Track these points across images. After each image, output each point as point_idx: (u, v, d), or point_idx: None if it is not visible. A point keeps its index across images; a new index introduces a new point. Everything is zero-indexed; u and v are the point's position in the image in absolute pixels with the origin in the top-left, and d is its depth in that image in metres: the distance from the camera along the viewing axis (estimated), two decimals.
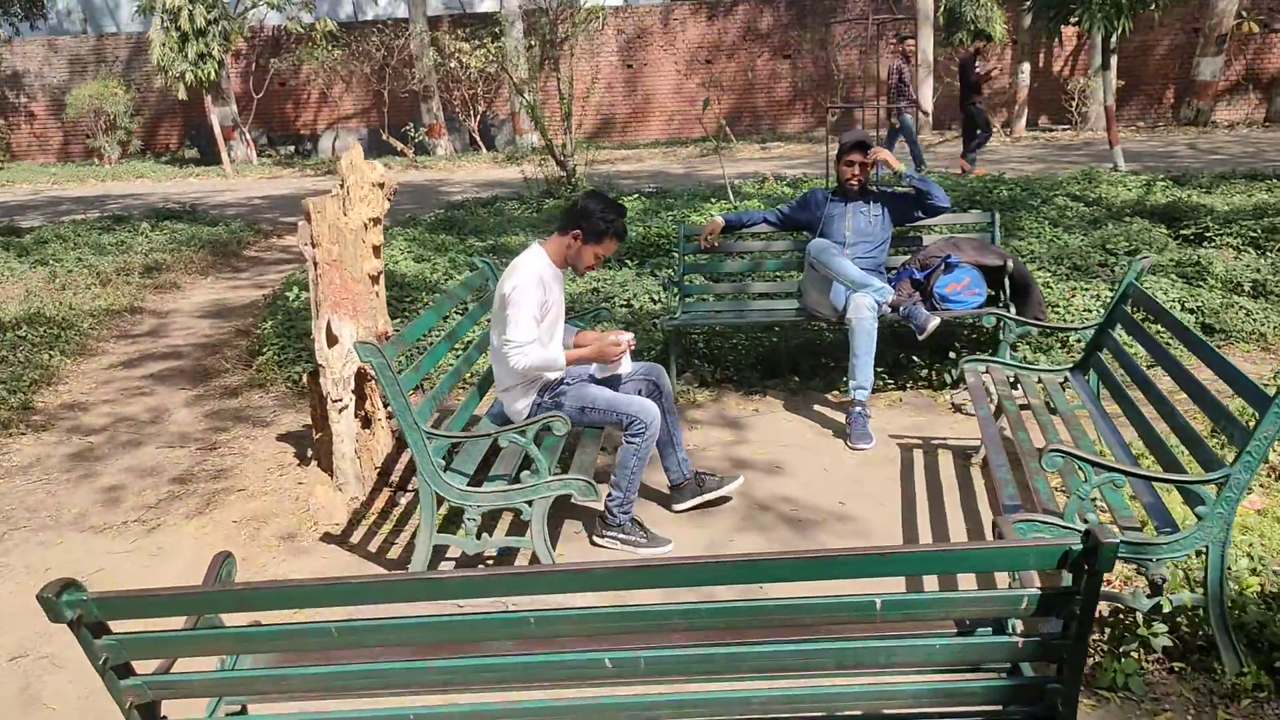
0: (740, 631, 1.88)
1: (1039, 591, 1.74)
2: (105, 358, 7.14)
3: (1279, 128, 19.56)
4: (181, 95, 20.14)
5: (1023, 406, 4.22)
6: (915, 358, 5.57)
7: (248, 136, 22.45)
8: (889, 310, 5.08)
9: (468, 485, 3.43)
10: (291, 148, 23.93)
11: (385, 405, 4.43)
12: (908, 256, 5.57)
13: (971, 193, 9.07)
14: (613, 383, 4.09)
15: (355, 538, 4.04)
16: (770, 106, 23.51)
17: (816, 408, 5.39)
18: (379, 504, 4.31)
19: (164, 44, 19.58)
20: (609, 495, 3.88)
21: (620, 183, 14.90)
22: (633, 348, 3.97)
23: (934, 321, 4.92)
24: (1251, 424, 2.70)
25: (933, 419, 5.14)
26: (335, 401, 4.14)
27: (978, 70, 13.81)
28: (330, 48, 21.84)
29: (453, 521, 3.83)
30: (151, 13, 19.79)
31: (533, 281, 3.73)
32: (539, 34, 14.40)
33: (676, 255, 5.96)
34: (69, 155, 23.89)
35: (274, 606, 1.84)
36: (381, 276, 4.34)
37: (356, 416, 4.26)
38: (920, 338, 4.96)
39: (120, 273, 9.64)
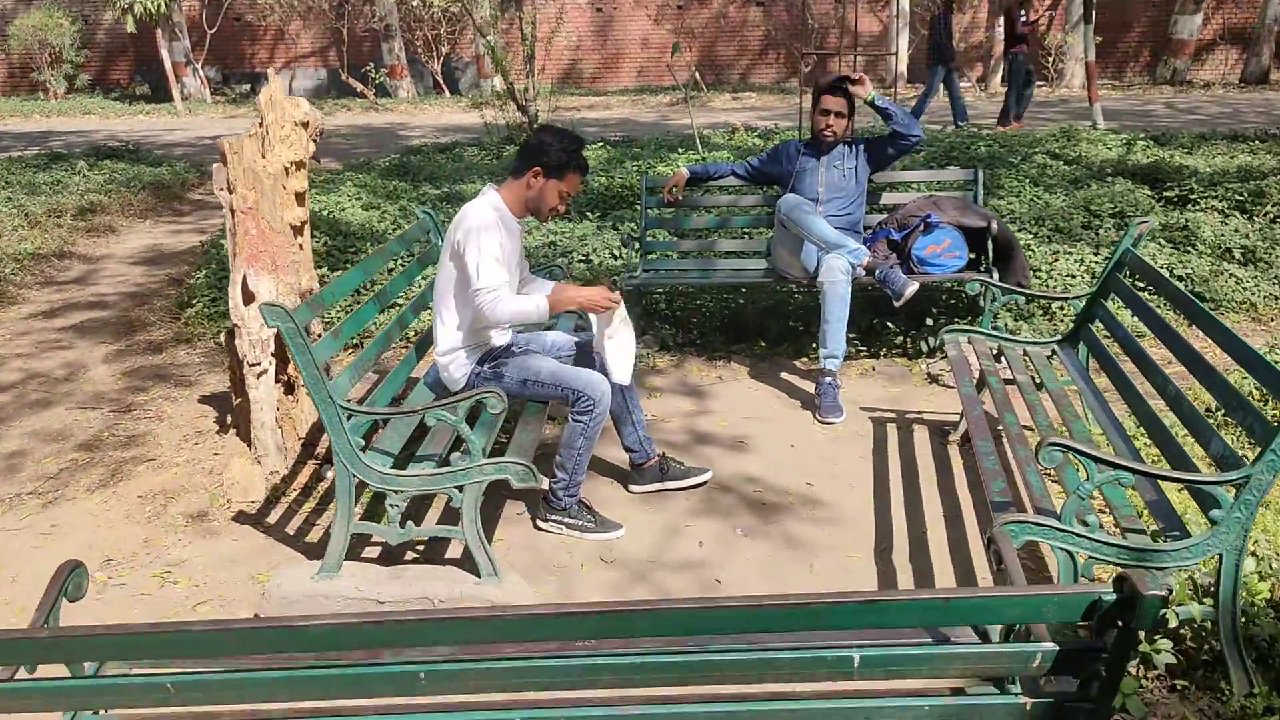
0: (686, 684, 1.52)
1: (1055, 647, 1.40)
2: (25, 306, 6.65)
3: (1254, 88, 19.30)
4: (130, 28, 19.26)
5: (1007, 381, 3.88)
6: (890, 324, 5.23)
7: (201, 74, 21.59)
8: (864, 273, 4.71)
9: (390, 468, 3.04)
10: (247, 86, 23.04)
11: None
12: (885, 216, 5.19)
13: (948, 148, 8.70)
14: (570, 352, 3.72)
15: (272, 517, 3.65)
16: (742, 55, 22.93)
17: (784, 375, 5.04)
18: (302, 479, 3.92)
19: None
20: (554, 477, 3.51)
21: (586, 130, 14.37)
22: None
23: (912, 287, 4.56)
24: (1266, 410, 2.37)
25: (908, 390, 4.81)
26: (253, 365, 3.73)
27: (1023, 19, 13.37)
28: None
29: (380, 505, 3.45)
30: None
31: (490, 223, 3.34)
32: None
33: (639, 209, 5.54)
34: (15, 89, 22.85)
35: (100, 657, 1.46)
36: (306, 227, 3.92)
37: (279, 381, 3.86)
38: (897, 304, 4.61)
39: (52, 214, 9.07)
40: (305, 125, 3.80)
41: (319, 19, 22.38)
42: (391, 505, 2.99)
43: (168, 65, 19.67)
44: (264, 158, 3.67)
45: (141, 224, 9.39)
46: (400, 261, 5.75)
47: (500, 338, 3.63)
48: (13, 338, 5.94)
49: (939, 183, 5.54)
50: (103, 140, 15.24)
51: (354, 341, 5.11)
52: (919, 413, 4.54)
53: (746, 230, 5.56)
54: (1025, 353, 4.03)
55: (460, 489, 2.96)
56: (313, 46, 23.20)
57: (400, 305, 4.97)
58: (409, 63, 21.83)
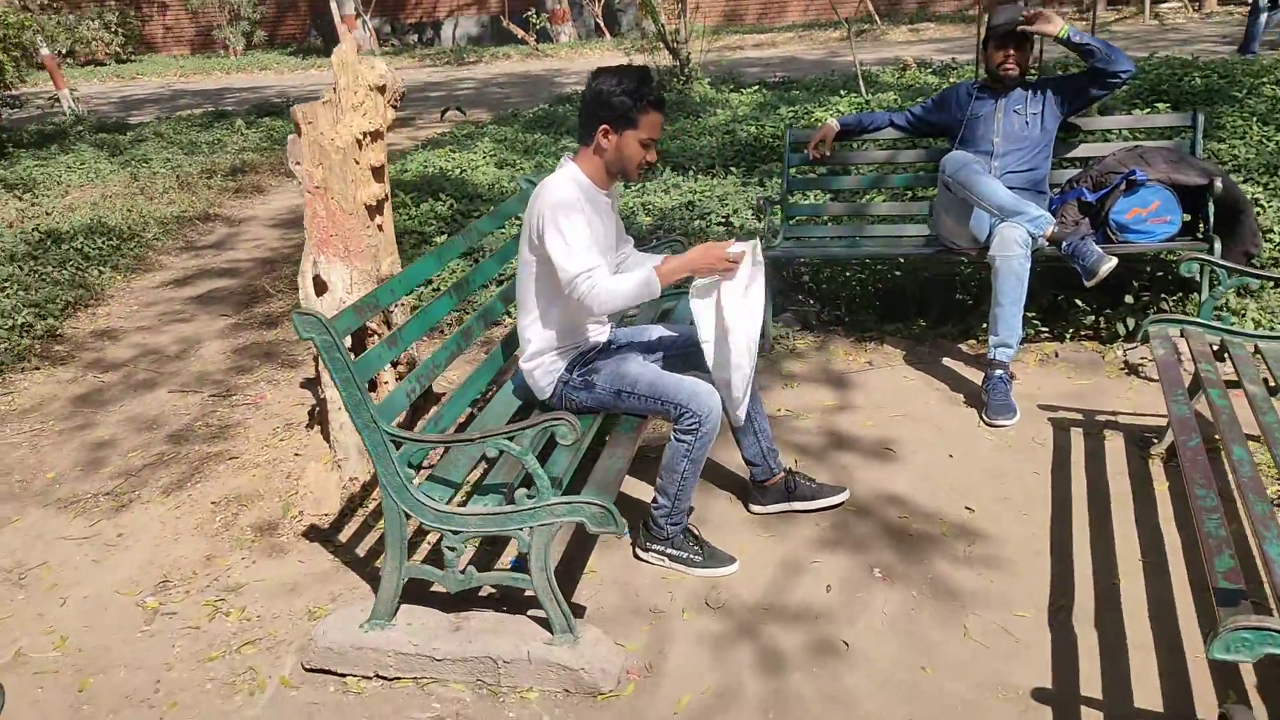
0: None
1: None
2: (160, 273, 6.57)
3: None
4: None
5: (1231, 385, 3.05)
6: (1078, 300, 4.38)
7: (369, 25, 21.79)
8: (1046, 244, 3.91)
9: (449, 501, 2.57)
10: (414, 36, 23.18)
11: (394, 363, 3.60)
12: (1076, 172, 4.33)
13: (1155, 82, 7.51)
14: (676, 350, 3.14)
15: (345, 533, 3.25)
16: None
17: (946, 362, 4.31)
18: None
19: None
20: (654, 501, 2.97)
21: (747, 71, 13.57)
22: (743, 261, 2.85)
23: (1108, 264, 3.72)
24: None
25: (1099, 384, 4.00)
26: None
27: None
28: None
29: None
30: None
31: (570, 200, 2.78)
32: None
33: (781, 167, 4.85)
34: (199, 47, 23.75)
35: None
36: (387, 205, 3.46)
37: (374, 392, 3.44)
38: (1088, 283, 3.79)
39: (204, 174, 9.11)
40: (382, 90, 3.32)
41: None
42: (449, 548, 2.52)
43: (336, 18, 19.89)
44: (334, 128, 3.21)
45: (289, 182, 9.30)
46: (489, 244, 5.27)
47: (597, 334, 3.08)
48: (139, 308, 5.83)
49: (1143, 131, 4.61)
50: (274, 96, 15.54)
51: (396, 358, 4.68)
52: (1112, 414, 3.74)
53: (906, 190, 4.80)
54: (1258, 350, 3.18)
55: (527, 531, 2.46)
56: None
57: (489, 291, 4.48)
58: (571, 6, 21.39)
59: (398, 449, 2.48)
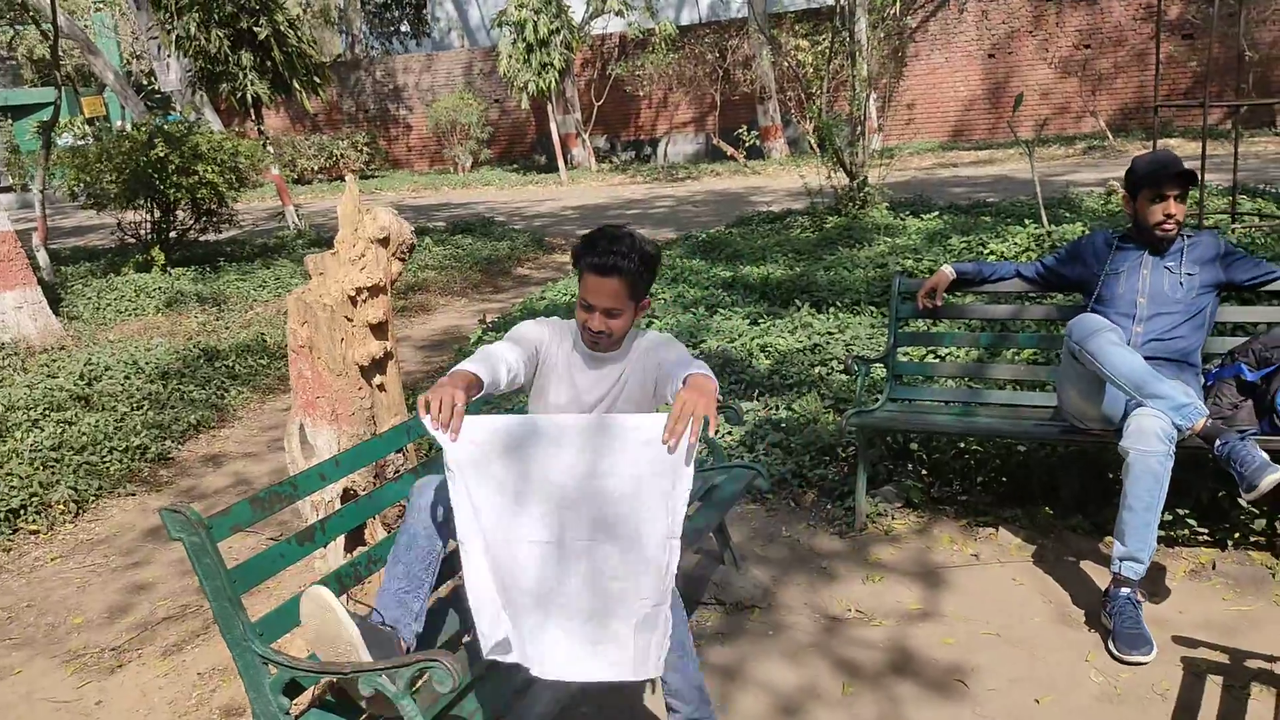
0: None
1: None
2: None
3: None
4: (524, 104, 20.61)
5: None
6: (1243, 500, 3.51)
7: (588, 143, 22.57)
8: (1198, 439, 3.13)
9: None
10: (632, 153, 23.82)
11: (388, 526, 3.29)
12: (1238, 344, 3.52)
13: None
14: None
15: None
16: (1171, 97, 19.82)
17: (1069, 563, 3.55)
18: None
19: (510, 55, 20.06)
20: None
21: (951, 191, 12.88)
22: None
23: (1273, 475, 2.90)
24: None
25: (1263, 612, 3.15)
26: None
27: None
28: (668, 52, 21.36)
29: None
30: (502, 26, 20.38)
31: (531, 325, 2.61)
32: (886, 26, 12.78)
33: (888, 319, 4.28)
34: (436, 162, 25.39)
35: None
36: (391, 364, 3.20)
37: (349, 552, 3.15)
38: (1246, 498, 2.98)
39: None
40: (385, 242, 3.09)
41: (697, 86, 22.60)
42: None
43: (554, 137, 20.73)
44: (322, 284, 3.00)
45: (457, 301, 9.45)
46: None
47: None
48: (258, 433, 5.88)
49: None
50: (485, 211, 16.21)
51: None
52: (1270, 660, 2.89)
53: (1034, 353, 4.10)
54: None
55: None
56: (692, 113, 23.47)
57: None
58: (784, 124, 21.35)
59: (271, 672, 2.12)
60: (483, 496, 2.10)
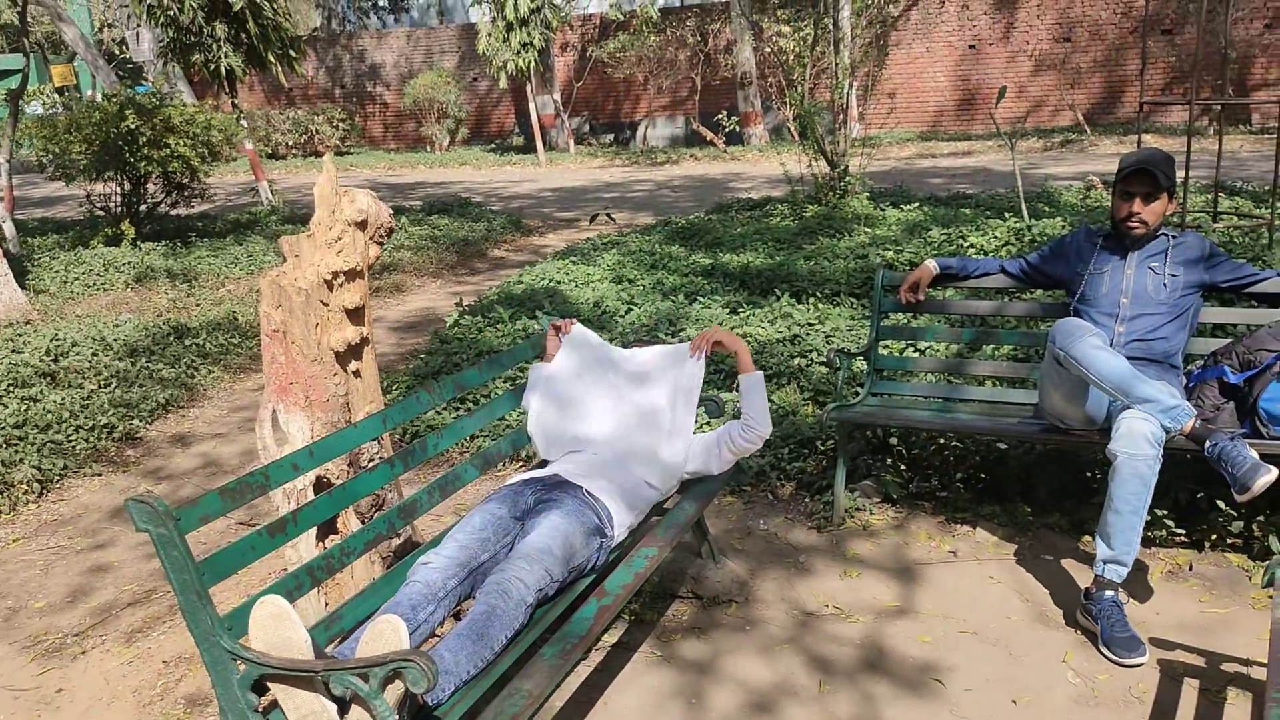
0: None
1: None
2: (259, 378, 6.56)
3: None
4: (503, 84, 20.42)
5: None
6: (1221, 501, 3.51)
7: (567, 125, 22.42)
8: (1183, 438, 3.13)
9: None
10: (611, 136, 23.69)
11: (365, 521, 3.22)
12: (1221, 345, 3.52)
13: None
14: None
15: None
16: (1146, 94, 19.89)
17: (1047, 562, 3.55)
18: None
19: (489, 34, 19.86)
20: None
21: (929, 182, 12.90)
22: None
23: (1265, 476, 2.88)
24: None
25: (1237, 615, 3.15)
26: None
27: None
28: (649, 34, 21.23)
29: None
30: (482, 4, 20.16)
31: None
32: (870, 14, 12.73)
33: (870, 312, 4.24)
34: (412, 141, 25.12)
35: None
36: (367, 350, 3.13)
37: (321, 540, 3.09)
38: (1239, 498, 2.97)
39: None
40: (363, 225, 3.02)
41: (677, 70, 22.48)
42: None
43: (533, 118, 20.56)
44: (298, 267, 2.92)
45: (432, 283, 9.35)
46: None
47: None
48: (227, 414, 5.78)
49: None
50: (461, 191, 16.06)
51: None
52: (1246, 663, 2.90)
53: (1014, 350, 4.08)
54: None
55: None
56: (672, 97, 23.36)
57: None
58: (765, 110, 21.29)
59: (239, 669, 2.06)
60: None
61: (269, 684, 2.07)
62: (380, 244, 3.10)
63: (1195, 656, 2.94)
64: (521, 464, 4.49)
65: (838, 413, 3.81)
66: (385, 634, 2.04)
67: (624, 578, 2.65)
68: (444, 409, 5.03)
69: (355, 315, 3.04)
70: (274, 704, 2.11)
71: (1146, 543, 3.52)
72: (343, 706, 2.03)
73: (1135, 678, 2.86)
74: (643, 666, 3.06)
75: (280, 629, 2.02)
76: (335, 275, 2.95)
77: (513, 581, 2.40)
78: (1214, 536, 3.52)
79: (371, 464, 3.06)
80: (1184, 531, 3.55)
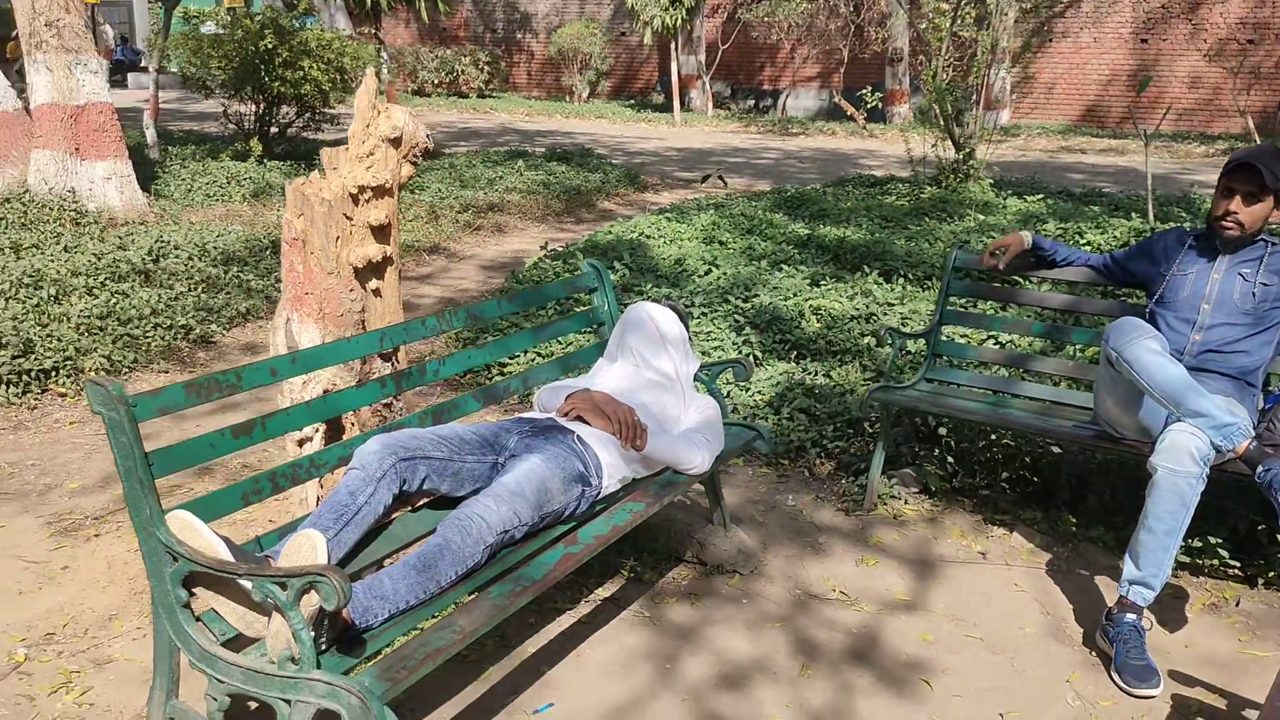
0: None
1: None
2: None
3: None
4: (648, 39, 20.29)
5: None
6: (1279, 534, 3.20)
7: (708, 87, 22.15)
8: (1239, 462, 2.85)
9: (226, 643, 2.11)
10: (751, 102, 23.32)
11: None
12: None
13: None
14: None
15: None
16: None
17: (1082, 577, 3.30)
18: None
19: None
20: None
21: (1068, 177, 12.22)
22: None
23: None
24: None
25: (1279, 658, 2.86)
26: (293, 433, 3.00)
27: None
28: (801, 0, 20.73)
29: None
30: None
31: None
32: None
33: (937, 294, 4.01)
34: (553, 90, 25.25)
35: None
36: (390, 270, 3.10)
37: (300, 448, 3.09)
38: None
39: (461, 209, 9.34)
40: (396, 142, 2.97)
41: (826, 41, 21.92)
42: (210, 697, 2.06)
43: (673, 77, 20.38)
44: (323, 177, 2.91)
45: (535, 228, 9.36)
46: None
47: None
48: None
49: None
50: (585, 143, 16.05)
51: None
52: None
53: (1081, 350, 3.79)
54: None
55: (288, 702, 1.96)
56: (819, 68, 22.81)
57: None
58: (913, 90, 20.58)
59: (175, 563, 2.06)
60: None
61: (197, 589, 2.07)
62: (415, 163, 3.06)
63: (1215, 697, 2.68)
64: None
65: (881, 394, 3.62)
66: (303, 548, 2.01)
67: (599, 528, 2.56)
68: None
69: (380, 233, 3.02)
70: (210, 610, 2.11)
71: (1194, 570, 3.25)
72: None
73: (1141, 709, 2.63)
74: (626, 625, 2.98)
75: (190, 539, 2.02)
76: (362, 190, 2.92)
77: (474, 519, 2.33)
78: (1271, 573, 3.21)
79: (370, 377, 3.04)
80: (1238, 564, 3.25)
